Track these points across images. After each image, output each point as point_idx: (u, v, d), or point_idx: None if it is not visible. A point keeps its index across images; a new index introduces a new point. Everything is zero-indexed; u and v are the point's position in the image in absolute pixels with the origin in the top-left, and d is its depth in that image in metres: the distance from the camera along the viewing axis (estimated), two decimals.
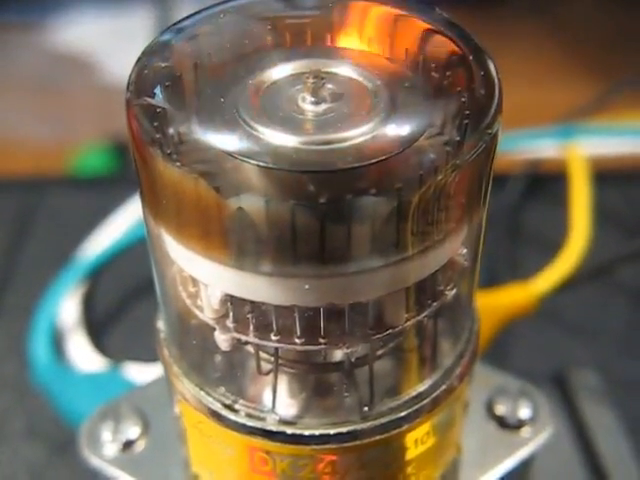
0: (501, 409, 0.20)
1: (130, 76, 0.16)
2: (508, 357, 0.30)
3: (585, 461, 0.25)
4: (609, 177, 0.37)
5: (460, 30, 0.16)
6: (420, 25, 0.16)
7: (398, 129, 0.14)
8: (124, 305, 0.32)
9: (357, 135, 0.14)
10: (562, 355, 0.30)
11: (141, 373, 0.27)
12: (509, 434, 0.20)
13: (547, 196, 0.37)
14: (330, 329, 0.15)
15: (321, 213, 0.13)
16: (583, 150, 0.35)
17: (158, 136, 0.14)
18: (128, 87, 0.15)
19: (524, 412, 0.20)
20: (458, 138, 0.14)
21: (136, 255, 0.29)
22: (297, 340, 0.15)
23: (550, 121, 0.53)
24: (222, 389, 0.16)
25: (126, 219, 0.33)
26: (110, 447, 0.20)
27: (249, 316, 0.15)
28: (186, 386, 0.17)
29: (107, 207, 0.35)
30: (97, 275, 0.32)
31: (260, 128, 0.14)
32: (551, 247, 0.34)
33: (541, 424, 0.20)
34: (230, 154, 0.14)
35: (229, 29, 0.16)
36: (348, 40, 0.16)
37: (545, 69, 0.68)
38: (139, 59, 0.16)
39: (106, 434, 0.20)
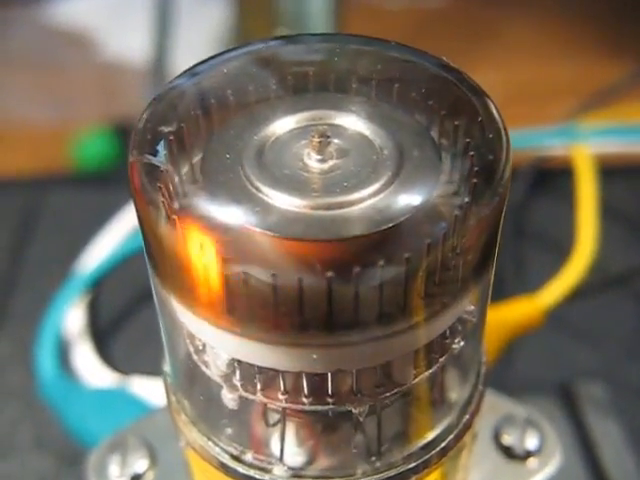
0: (508, 439, 0.20)
1: (137, 125, 0.15)
2: (514, 364, 0.30)
3: (590, 475, 0.25)
4: (616, 173, 0.37)
5: (467, 80, 0.15)
6: (428, 74, 0.16)
7: (405, 191, 0.14)
8: (129, 313, 0.32)
9: (364, 197, 0.14)
10: (568, 362, 0.30)
11: (148, 388, 0.27)
12: (516, 465, 0.20)
13: (553, 192, 0.37)
14: (338, 390, 0.15)
15: (328, 284, 0.13)
16: (589, 148, 0.34)
17: (160, 199, 0.14)
18: (133, 138, 0.15)
19: (531, 442, 0.20)
20: (468, 199, 0.14)
21: (139, 262, 0.29)
22: (305, 400, 0.15)
23: (556, 98, 0.52)
24: (230, 440, 0.16)
25: (127, 224, 0.33)
26: None
27: (256, 377, 0.15)
28: (193, 435, 0.17)
29: (111, 205, 0.35)
30: (101, 283, 0.32)
31: (266, 189, 0.14)
32: (557, 247, 0.34)
33: (548, 455, 0.20)
34: (236, 221, 0.13)
35: (239, 77, 0.16)
36: (355, 88, 0.16)
37: (551, 43, 0.66)
38: (150, 105, 0.15)
39: (113, 468, 0.20)
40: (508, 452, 0.20)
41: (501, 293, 0.28)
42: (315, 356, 0.14)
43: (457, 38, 0.56)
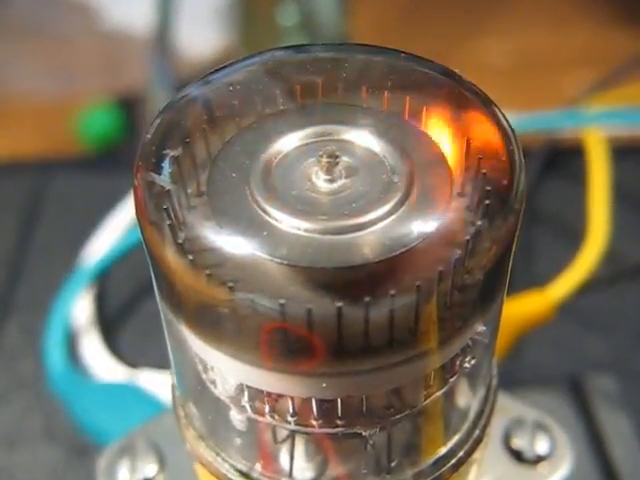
0: (518, 443, 0.20)
1: (144, 137, 0.15)
2: (523, 354, 0.30)
3: (599, 468, 0.25)
4: (629, 156, 0.36)
5: (482, 96, 0.15)
6: (438, 86, 0.15)
7: (416, 214, 0.14)
8: (137, 303, 0.32)
9: (374, 220, 0.13)
10: (578, 352, 0.30)
11: (157, 382, 0.27)
12: (526, 470, 0.20)
13: (565, 175, 0.37)
14: (347, 413, 0.14)
15: (338, 313, 0.13)
16: (601, 131, 0.33)
17: (166, 222, 0.14)
18: (138, 152, 0.15)
19: (542, 446, 0.20)
20: (481, 222, 0.13)
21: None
22: (314, 422, 0.15)
23: (570, 67, 0.51)
24: (238, 456, 0.16)
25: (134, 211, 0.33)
26: None
27: (265, 399, 0.15)
28: (202, 450, 0.16)
29: (119, 189, 0.34)
30: (108, 273, 0.31)
31: (274, 213, 0.14)
32: (568, 232, 0.34)
33: (560, 459, 0.20)
34: (244, 249, 0.13)
35: (245, 89, 0.15)
36: (364, 100, 0.15)
37: (566, 8, 0.65)
38: (159, 114, 0.15)
39: (123, 472, 0.20)
40: (518, 456, 0.20)
41: (510, 283, 0.28)
42: (325, 384, 0.13)
43: (467, 4, 0.55)
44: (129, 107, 0.53)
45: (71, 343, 0.29)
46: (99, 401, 0.26)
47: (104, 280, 0.32)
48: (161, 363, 0.28)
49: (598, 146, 0.33)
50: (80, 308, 0.30)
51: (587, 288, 0.27)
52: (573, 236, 0.30)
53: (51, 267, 0.33)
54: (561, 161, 0.37)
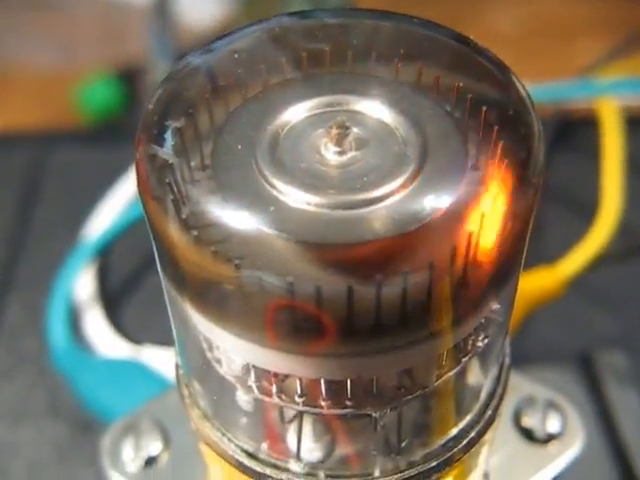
0: (528, 421, 0.20)
1: (145, 108, 0.14)
2: (532, 330, 0.29)
3: (609, 445, 0.25)
4: None
5: (498, 63, 0.14)
6: (451, 52, 0.14)
7: (430, 188, 0.13)
8: (140, 278, 0.31)
9: (386, 195, 0.13)
10: (588, 328, 0.29)
11: (160, 358, 0.26)
12: (536, 449, 0.20)
13: (577, 146, 0.36)
14: (357, 393, 0.14)
15: (348, 292, 0.12)
16: (615, 102, 0.33)
17: (170, 197, 0.13)
18: (140, 124, 0.14)
19: (553, 425, 0.20)
20: (496, 197, 0.13)
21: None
22: (322, 403, 0.14)
23: (584, 34, 0.50)
24: (244, 437, 0.16)
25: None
26: (132, 465, 0.20)
27: (272, 379, 0.14)
28: (207, 430, 0.16)
29: (120, 162, 0.34)
30: (110, 248, 0.31)
31: (281, 187, 0.13)
32: (580, 206, 0.33)
33: (570, 438, 0.20)
34: (250, 225, 0.13)
35: (251, 58, 0.15)
36: (374, 68, 0.15)
37: None
38: (161, 84, 0.14)
39: (127, 451, 0.20)
40: (529, 435, 0.20)
41: None
42: (334, 364, 0.13)
43: None
44: (130, 78, 0.52)
45: (74, 319, 0.29)
46: (102, 378, 0.26)
47: (106, 255, 0.31)
48: (164, 339, 0.27)
49: (612, 117, 0.32)
50: (82, 284, 0.30)
51: (598, 264, 0.26)
52: (585, 210, 0.30)
53: (53, 242, 0.33)
54: (573, 132, 0.36)
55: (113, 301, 0.30)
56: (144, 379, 0.26)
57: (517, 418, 0.20)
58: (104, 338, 0.28)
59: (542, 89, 0.33)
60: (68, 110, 0.48)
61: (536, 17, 0.53)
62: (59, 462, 0.27)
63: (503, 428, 0.20)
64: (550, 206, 0.33)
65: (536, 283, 0.25)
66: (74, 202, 0.34)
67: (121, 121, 0.48)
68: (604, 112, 0.32)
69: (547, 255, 0.28)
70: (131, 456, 0.20)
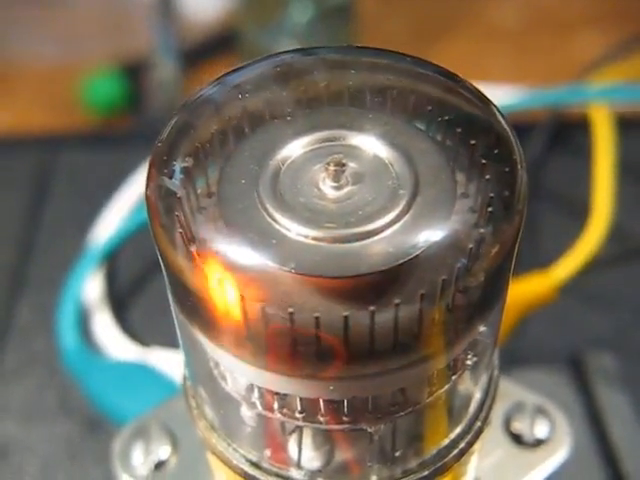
0: (518, 426, 0.21)
1: (160, 136, 0.15)
2: (524, 331, 0.30)
3: (598, 447, 0.26)
4: (635, 130, 0.36)
5: (483, 99, 0.15)
6: (442, 90, 0.15)
7: (421, 221, 0.14)
8: (148, 280, 0.32)
9: (380, 228, 0.14)
10: (580, 330, 0.30)
11: (168, 361, 0.27)
12: (525, 453, 0.21)
13: (570, 150, 0.37)
14: (354, 411, 0.15)
15: (345, 321, 0.13)
16: (607, 107, 0.33)
17: (178, 229, 0.14)
18: (153, 150, 0.15)
19: (541, 430, 0.21)
20: (484, 230, 0.14)
21: None
22: (321, 419, 0.15)
23: (582, 28, 0.50)
24: (248, 447, 0.17)
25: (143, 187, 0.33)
26: (142, 468, 0.21)
27: (274, 397, 0.15)
28: (213, 441, 0.17)
29: (128, 164, 0.34)
30: (119, 251, 0.32)
31: (282, 221, 0.14)
32: (573, 208, 0.34)
33: (558, 443, 0.21)
34: (254, 258, 0.13)
35: (253, 94, 0.15)
36: (369, 103, 0.16)
37: None
38: (175, 114, 0.15)
39: (137, 455, 0.21)
40: (518, 440, 0.21)
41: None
42: (332, 387, 0.14)
43: None
44: (134, 73, 0.53)
45: (83, 321, 0.30)
46: (111, 380, 0.27)
47: (115, 258, 0.32)
48: (172, 341, 0.28)
49: (604, 122, 0.33)
50: (92, 286, 0.31)
51: (590, 267, 0.27)
52: (577, 213, 0.30)
53: (62, 244, 0.33)
54: (567, 137, 0.37)
55: (121, 303, 0.31)
56: (152, 381, 0.27)
57: (507, 423, 0.21)
58: (113, 340, 0.29)
59: (537, 94, 0.34)
60: (72, 105, 0.49)
61: (536, 12, 0.53)
62: (70, 459, 0.28)
63: (494, 433, 0.21)
64: (544, 209, 0.34)
65: (529, 288, 0.26)
66: (83, 204, 0.35)
67: (126, 116, 0.49)
68: (596, 118, 0.33)
69: (541, 257, 0.29)
70: (141, 460, 0.21)
